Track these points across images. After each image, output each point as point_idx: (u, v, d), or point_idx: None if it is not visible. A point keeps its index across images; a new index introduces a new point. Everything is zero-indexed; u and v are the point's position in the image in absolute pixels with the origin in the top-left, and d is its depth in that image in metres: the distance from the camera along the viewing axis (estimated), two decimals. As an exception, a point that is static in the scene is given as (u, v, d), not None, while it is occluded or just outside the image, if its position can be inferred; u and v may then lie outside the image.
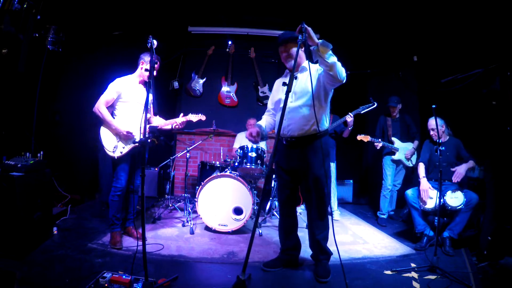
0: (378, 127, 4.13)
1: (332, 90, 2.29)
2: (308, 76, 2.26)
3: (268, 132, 2.53)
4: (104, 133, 2.71)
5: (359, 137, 3.77)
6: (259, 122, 2.55)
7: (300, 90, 2.25)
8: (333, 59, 2.03)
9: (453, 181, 2.98)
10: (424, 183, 3.06)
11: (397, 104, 4.01)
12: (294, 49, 2.21)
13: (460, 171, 2.98)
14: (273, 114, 2.57)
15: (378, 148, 3.88)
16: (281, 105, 2.34)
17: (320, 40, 1.99)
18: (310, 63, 2.22)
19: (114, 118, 2.73)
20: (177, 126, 2.96)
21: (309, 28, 1.93)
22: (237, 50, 5.25)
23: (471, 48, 3.49)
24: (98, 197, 4.23)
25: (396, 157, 3.93)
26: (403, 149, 3.93)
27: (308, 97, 2.23)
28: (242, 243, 3.01)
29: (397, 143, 3.95)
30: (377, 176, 4.40)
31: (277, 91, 2.47)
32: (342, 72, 2.10)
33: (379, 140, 3.83)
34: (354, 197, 5.16)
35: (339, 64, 2.07)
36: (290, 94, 1.92)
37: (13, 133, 3.30)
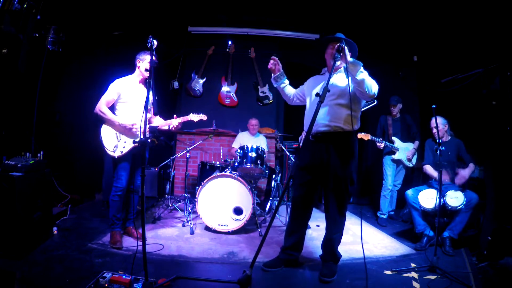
0: (379, 127, 4.13)
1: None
2: (341, 77, 2.33)
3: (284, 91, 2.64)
4: (105, 132, 2.71)
5: (359, 135, 3.72)
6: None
7: (331, 88, 2.22)
8: (362, 76, 2.10)
9: (456, 183, 2.97)
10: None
11: (397, 103, 4.01)
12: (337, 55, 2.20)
13: (464, 174, 2.98)
14: (296, 94, 2.63)
15: (381, 147, 3.86)
16: (308, 103, 2.46)
17: (351, 59, 2.10)
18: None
19: None
20: (173, 127, 2.96)
21: (346, 47, 2.11)
22: (237, 50, 5.24)
23: (471, 48, 3.49)
24: (97, 197, 4.23)
25: (396, 156, 3.92)
26: (403, 149, 3.93)
27: (338, 96, 2.28)
28: (242, 243, 3.01)
29: (397, 142, 3.95)
30: (377, 176, 4.39)
31: (311, 86, 2.49)
32: (371, 88, 2.14)
33: (381, 139, 3.82)
34: (354, 197, 5.15)
35: (368, 80, 2.13)
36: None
37: (13, 133, 3.30)
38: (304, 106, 2.56)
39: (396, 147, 3.91)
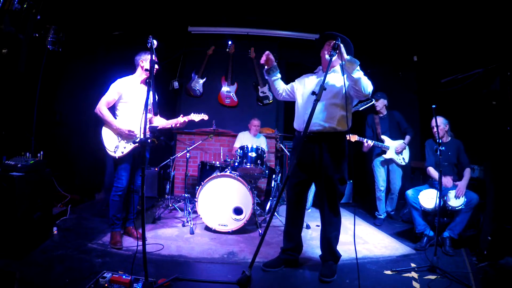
0: (367, 127, 4.00)
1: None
2: (335, 77, 2.33)
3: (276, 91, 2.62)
4: (106, 133, 2.71)
5: (347, 137, 3.63)
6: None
7: (326, 87, 2.22)
8: (358, 74, 2.12)
9: (457, 195, 2.96)
10: (444, 179, 3.02)
11: (379, 98, 3.87)
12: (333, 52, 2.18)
13: (462, 188, 2.98)
14: (286, 89, 2.61)
15: (369, 147, 3.69)
16: (300, 100, 2.44)
17: (347, 57, 2.10)
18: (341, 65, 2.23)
19: (116, 118, 2.73)
20: (177, 126, 2.98)
21: (342, 45, 2.09)
22: (237, 50, 5.25)
23: (471, 48, 3.49)
24: (97, 197, 4.23)
25: (387, 156, 3.82)
26: (394, 148, 3.82)
27: (331, 96, 2.28)
28: (242, 243, 3.01)
29: (387, 141, 3.82)
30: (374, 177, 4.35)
31: (304, 84, 2.48)
32: (367, 87, 2.16)
33: (366, 139, 3.67)
34: (354, 197, 5.15)
35: (364, 79, 2.14)
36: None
37: (13, 133, 3.30)
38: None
39: (386, 145, 3.79)
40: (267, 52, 2.46)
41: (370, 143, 3.70)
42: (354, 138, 3.62)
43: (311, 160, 2.35)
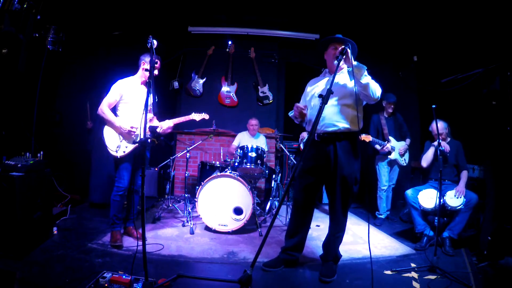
0: (372, 127, 4.00)
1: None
2: (344, 77, 2.34)
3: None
4: (107, 132, 2.71)
5: (362, 137, 3.57)
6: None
7: (336, 88, 2.24)
8: (366, 80, 2.12)
9: (457, 197, 2.96)
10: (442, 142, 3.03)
11: (393, 100, 3.90)
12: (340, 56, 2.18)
13: (461, 189, 2.98)
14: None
15: (387, 150, 3.75)
16: (312, 103, 2.41)
17: (355, 62, 2.10)
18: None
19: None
20: (162, 130, 2.95)
21: (349, 50, 2.09)
22: (237, 50, 5.24)
23: (471, 48, 3.49)
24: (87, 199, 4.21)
25: (392, 156, 3.84)
26: (398, 149, 3.86)
27: (342, 96, 2.29)
28: (242, 243, 3.01)
29: (393, 142, 3.85)
30: (374, 177, 4.36)
31: (316, 87, 2.45)
32: (375, 91, 2.17)
33: (386, 142, 3.71)
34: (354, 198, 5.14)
35: (372, 84, 2.15)
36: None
37: (13, 133, 3.30)
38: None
39: (393, 146, 3.83)
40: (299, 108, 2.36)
41: (389, 146, 3.74)
42: (368, 138, 3.58)
43: (325, 162, 2.32)
